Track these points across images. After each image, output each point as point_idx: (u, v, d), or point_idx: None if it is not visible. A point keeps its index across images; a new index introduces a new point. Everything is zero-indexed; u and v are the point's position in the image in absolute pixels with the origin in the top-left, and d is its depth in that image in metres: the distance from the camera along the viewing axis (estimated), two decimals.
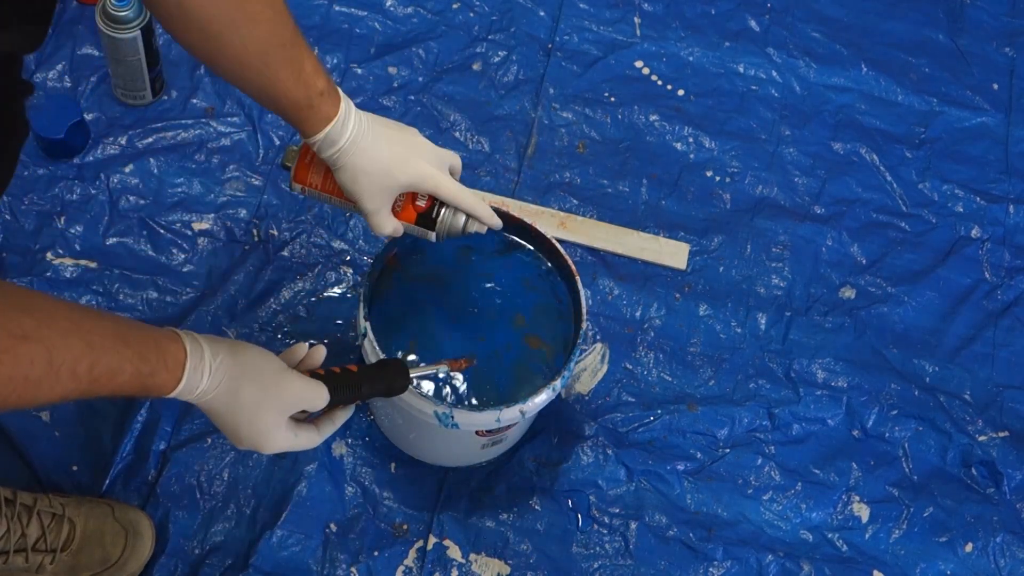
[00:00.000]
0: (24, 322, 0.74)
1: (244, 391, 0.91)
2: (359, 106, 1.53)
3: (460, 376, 1.17)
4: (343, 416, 1.01)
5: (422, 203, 1.05)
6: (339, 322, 1.39)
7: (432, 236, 1.08)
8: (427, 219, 1.05)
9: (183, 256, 1.41)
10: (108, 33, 1.40)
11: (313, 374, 0.97)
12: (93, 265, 1.39)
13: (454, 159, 1.08)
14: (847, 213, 1.56)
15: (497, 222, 1.09)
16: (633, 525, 1.33)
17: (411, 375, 1.03)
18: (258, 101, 1.00)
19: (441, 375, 1.08)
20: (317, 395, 0.96)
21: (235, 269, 1.41)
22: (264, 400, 0.92)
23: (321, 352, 1.00)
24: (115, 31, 1.40)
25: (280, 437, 0.94)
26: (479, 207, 1.07)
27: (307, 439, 0.97)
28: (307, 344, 1.00)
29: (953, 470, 1.40)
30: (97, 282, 1.38)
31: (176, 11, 0.89)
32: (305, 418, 0.98)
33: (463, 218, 1.07)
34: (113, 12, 1.39)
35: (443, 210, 1.07)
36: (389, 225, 1.06)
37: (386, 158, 1.02)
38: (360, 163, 1.02)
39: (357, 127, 1.01)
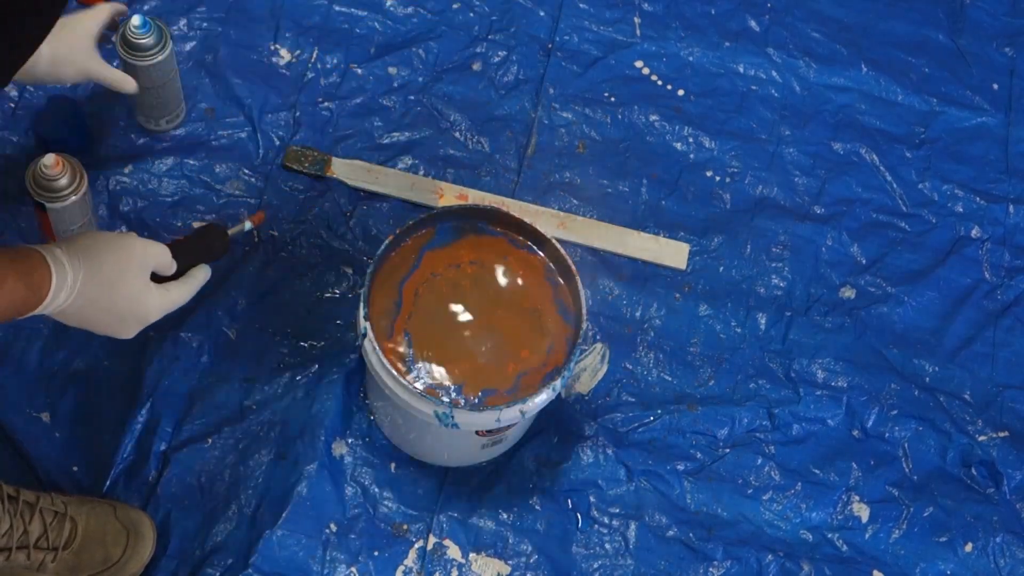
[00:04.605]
0: None
1: (103, 263, 0.97)
2: (358, 107, 1.55)
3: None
4: (204, 273, 1.09)
5: None
6: (339, 322, 1.39)
7: None
8: None
9: None
10: (138, 64, 1.33)
11: None
12: None
13: (162, 255, 1.07)
14: (847, 213, 1.56)
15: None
16: (633, 525, 1.33)
17: (228, 232, 1.14)
18: None
19: (247, 228, 1.17)
20: (160, 250, 1.03)
21: (235, 269, 1.41)
22: (122, 263, 0.99)
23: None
24: (144, 59, 1.33)
25: (154, 296, 1.02)
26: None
27: (179, 293, 1.06)
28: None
29: (953, 470, 1.40)
30: None
31: None
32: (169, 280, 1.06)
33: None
34: (136, 40, 1.32)
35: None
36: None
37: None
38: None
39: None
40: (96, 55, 1.29)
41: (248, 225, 1.17)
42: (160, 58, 1.34)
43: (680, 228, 1.52)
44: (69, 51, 1.26)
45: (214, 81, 1.52)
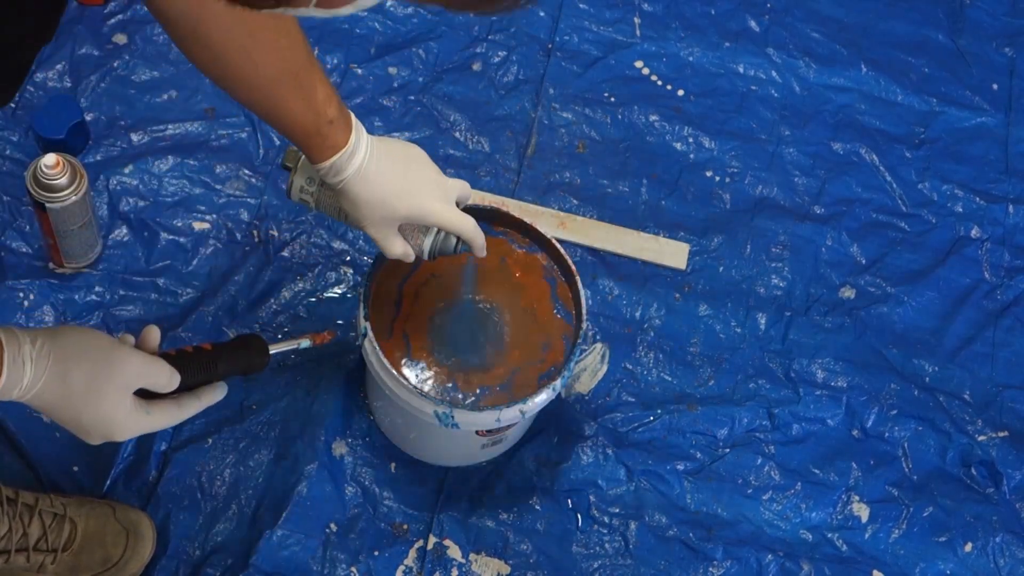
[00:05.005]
0: None
1: (73, 373, 0.86)
2: (358, 107, 1.54)
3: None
4: (211, 395, 0.97)
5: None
6: (339, 322, 1.39)
7: (425, 256, 1.12)
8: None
9: (183, 257, 1.41)
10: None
11: (164, 356, 0.94)
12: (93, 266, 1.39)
13: (463, 189, 1.10)
14: (847, 213, 1.56)
15: (483, 254, 1.12)
16: (633, 525, 1.33)
17: (271, 351, 1.01)
18: (267, 123, 1.00)
19: (303, 347, 1.07)
20: (158, 371, 0.91)
21: (235, 270, 1.41)
22: (97, 379, 0.87)
23: (153, 332, 0.95)
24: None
25: (128, 419, 0.90)
26: (477, 239, 1.10)
27: (165, 417, 0.93)
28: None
29: (953, 470, 1.40)
30: (98, 283, 1.38)
31: (190, 35, 0.89)
32: (164, 399, 0.93)
33: (454, 240, 1.11)
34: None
35: (438, 232, 1.10)
36: (398, 247, 1.08)
37: (389, 191, 1.03)
38: (363, 194, 1.03)
39: (364, 158, 1.01)
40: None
41: (305, 343, 1.06)
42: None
43: (680, 228, 1.52)
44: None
45: None
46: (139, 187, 1.45)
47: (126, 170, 1.45)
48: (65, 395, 0.87)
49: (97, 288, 1.38)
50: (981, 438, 1.42)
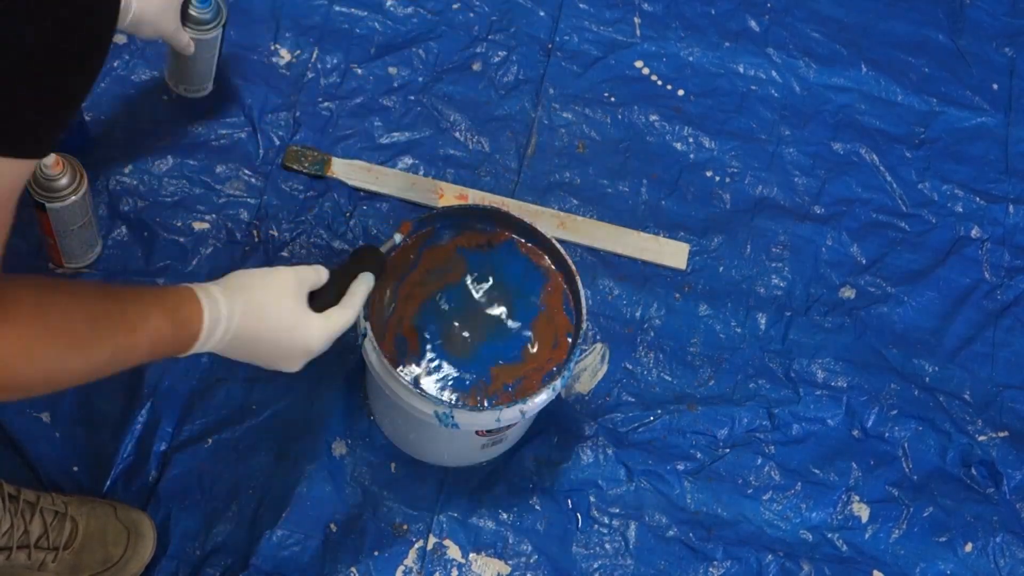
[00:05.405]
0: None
1: (259, 298, 0.95)
2: (358, 107, 1.55)
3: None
4: (365, 284, 1.05)
5: None
6: None
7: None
8: None
9: (183, 257, 1.41)
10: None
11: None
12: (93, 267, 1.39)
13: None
14: (847, 213, 1.56)
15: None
16: (633, 525, 1.33)
17: (382, 250, 1.10)
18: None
19: (398, 241, 1.14)
20: (309, 271, 1.00)
21: (235, 270, 1.41)
22: (279, 294, 0.96)
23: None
24: (199, 32, 1.34)
25: (316, 326, 0.98)
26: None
27: (340, 317, 1.01)
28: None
29: (953, 470, 1.40)
30: None
31: None
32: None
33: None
34: (196, 15, 1.33)
35: None
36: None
37: None
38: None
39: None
40: (178, 19, 1.29)
41: (398, 238, 1.14)
42: (214, 33, 1.35)
43: (680, 228, 1.52)
44: (157, 13, 1.26)
45: (214, 81, 1.52)
46: (139, 187, 1.45)
47: (126, 170, 1.45)
48: (259, 318, 0.94)
49: None
50: (981, 438, 1.42)
